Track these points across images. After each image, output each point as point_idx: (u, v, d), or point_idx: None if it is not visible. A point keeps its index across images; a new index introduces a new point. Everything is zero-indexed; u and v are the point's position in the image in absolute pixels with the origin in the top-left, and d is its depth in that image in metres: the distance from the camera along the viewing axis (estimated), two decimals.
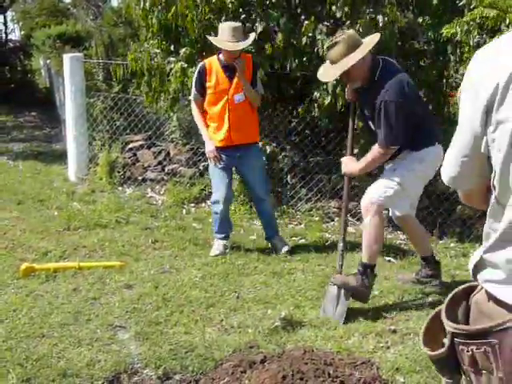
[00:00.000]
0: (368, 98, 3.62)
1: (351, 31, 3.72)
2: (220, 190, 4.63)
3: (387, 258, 4.69)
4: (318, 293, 3.98)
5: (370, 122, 3.73)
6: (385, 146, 3.60)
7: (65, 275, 4.14)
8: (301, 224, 5.70)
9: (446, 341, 1.43)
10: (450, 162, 1.45)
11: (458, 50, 4.89)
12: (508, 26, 4.54)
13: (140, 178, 6.38)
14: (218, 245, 4.74)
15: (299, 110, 5.31)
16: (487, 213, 1.41)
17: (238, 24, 4.55)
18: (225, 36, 4.40)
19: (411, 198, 3.83)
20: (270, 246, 4.83)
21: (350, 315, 3.63)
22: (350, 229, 5.58)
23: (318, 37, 4.81)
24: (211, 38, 4.55)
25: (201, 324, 3.50)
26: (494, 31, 4.60)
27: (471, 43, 4.70)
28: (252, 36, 4.56)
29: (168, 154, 6.35)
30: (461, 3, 4.74)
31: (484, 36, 4.71)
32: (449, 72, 5.09)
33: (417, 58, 5.45)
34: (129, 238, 4.96)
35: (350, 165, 3.80)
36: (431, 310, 3.74)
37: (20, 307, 3.63)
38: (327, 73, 3.72)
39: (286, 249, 4.73)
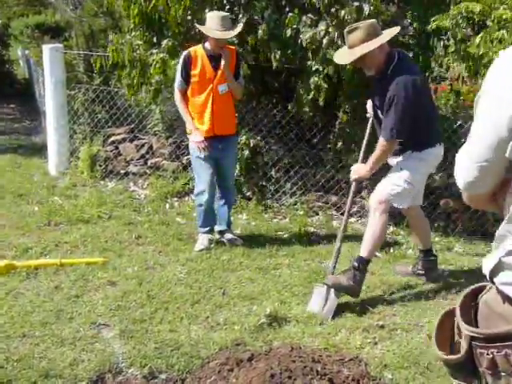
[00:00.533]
0: (379, 89, 3.68)
1: (373, 20, 3.75)
2: (204, 181, 4.58)
3: None
4: (305, 288, 3.95)
5: (379, 112, 3.79)
6: (389, 138, 3.67)
7: (46, 272, 4.05)
8: (285, 218, 5.66)
9: (464, 344, 1.43)
10: (467, 167, 1.44)
11: (441, 43, 4.86)
12: (493, 21, 4.53)
13: (122, 171, 6.28)
14: (202, 239, 4.68)
15: (288, 106, 5.24)
16: (506, 216, 1.40)
17: (227, 13, 4.51)
18: (213, 24, 4.35)
19: (414, 194, 3.90)
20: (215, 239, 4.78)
21: (337, 311, 3.61)
22: (334, 223, 5.60)
23: (302, 29, 4.75)
24: (199, 26, 4.48)
25: (186, 321, 3.45)
26: (480, 26, 4.59)
27: (459, 36, 4.69)
28: (240, 25, 4.53)
29: (151, 147, 6.25)
30: None
31: (469, 30, 4.70)
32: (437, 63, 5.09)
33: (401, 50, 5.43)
34: (111, 233, 4.87)
35: (359, 170, 3.88)
36: (418, 304, 3.76)
37: None
38: (343, 56, 3.76)
39: (240, 242, 4.74)
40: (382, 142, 3.71)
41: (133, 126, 6.35)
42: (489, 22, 4.54)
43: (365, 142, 4.01)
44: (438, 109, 6.04)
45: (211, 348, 3.15)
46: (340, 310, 3.62)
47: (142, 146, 6.27)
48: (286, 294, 3.86)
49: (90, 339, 3.21)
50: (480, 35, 4.49)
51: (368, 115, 4.06)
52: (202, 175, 4.60)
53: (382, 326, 3.46)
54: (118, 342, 3.20)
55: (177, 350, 3.12)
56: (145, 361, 3.02)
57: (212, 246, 4.66)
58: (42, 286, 3.85)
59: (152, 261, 4.35)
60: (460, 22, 4.66)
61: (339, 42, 4.55)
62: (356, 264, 3.74)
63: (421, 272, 4.17)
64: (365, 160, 3.92)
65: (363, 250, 3.78)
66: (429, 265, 4.17)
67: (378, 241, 3.80)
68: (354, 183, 3.96)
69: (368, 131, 4.01)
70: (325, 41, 4.64)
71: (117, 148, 6.34)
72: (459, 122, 5.42)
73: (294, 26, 4.74)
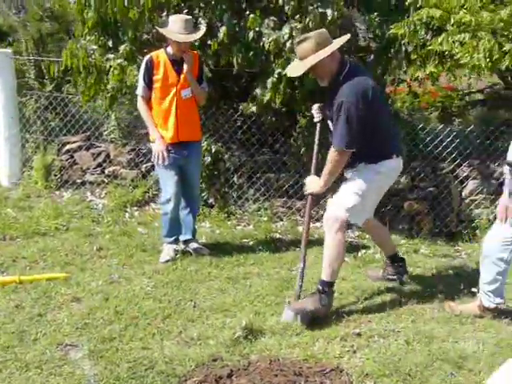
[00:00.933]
0: (331, 98, 3.54)
1: (323, 30, 3.65)
2: (170, 188, 4.44)
3: None
4: (277, 298, 3.87)
5: (330, 122, 3.66)
6: (340, 148, 3.50)
7: (4, 290, 3.82)
8: (249, 225, 5.57)
9: None
10: None
11: (403, 49, 4.88)
12: (453, 26, 4.58)
13: (78, 181, 6.05)
14: (167, 250, 4.54)
15: (241, 107, 5.15)
16: None
17: (189, 16, 4.40)
18: (176, 28, 4.24)
19: (369, 208, 3.76)
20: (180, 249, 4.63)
21: (313, 319, 3.54)
22: (300, 228, 5.54)
23: (265, 31, 4.67)
24: (161, 30, 4.34)
25: (158, 337, 3.31)
26: (440, 30, 4.63)
27: (417, 42, 4.72)
28: (203, 28, 4.43)
29: (108, 155, 6.03)
30: (407, 2, 4.73)
31: (429, 35, 4.74)
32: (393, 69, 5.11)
33: (360, 54, 5.43)
34: (71, 246, 4.66)
35: (313, 183, 3.73)
36: (392, 309, 3.74)
37: None
38: (295, 68, 3.65)
39: (206, 252, 4.63)
40: (332, 152, 3.54)
41: (89, 133, 6.12)
42: (448, 27, 4.58)
43: (315, 150, 3.82)
44: (399, 112, 6.12)
45: (187, 365, 3.03)
46: (316, 319, 3.54)
47: (99, 154, 6.05)
48: (258, 305, 3.76)
49: (58, 362, 3.03)
50: (442, 35, 4.53)
51: (315, 119, 3.89)
52: (167, 183, 4.47)
53: (359, 334, 3.41)
54: (87, 364, 3.02)
55: (151, 369, 2.98)
56: (118, 382, 2.87)
57: (178, 256, 4.52)
58: (1, 306, 3.62)
59: (117, 274, 4.17)
60: (418, 28, 4.70)
61: None
62: (320, 287, 3.59)
63: (391, 277, 4.15)
64: (319, 172, 3.72)
65: (324, 274, 3.61)
66: (397, 269, 4.16)
67: (337, 260, 3.61)
68: (309, 197, 3.75)
69: (317, 138, 3.81)
70: (288, 44, 4.57)
71: (72, 157, 6.09)
72: (421, 125, 5.47)
73: (257, 29, 4.64)
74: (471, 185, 5.32)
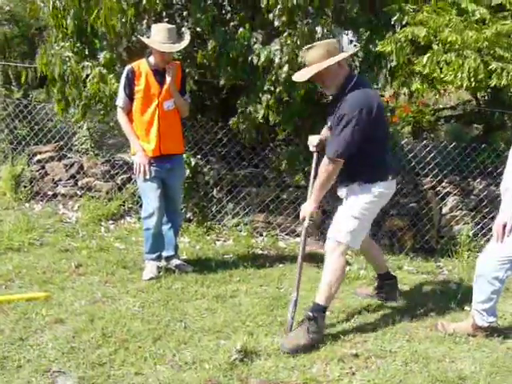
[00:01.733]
0: (334, 109, 3.48)
1: (333, 39, 3.62)
2: (153, 202, 4.29)
3: None
4: (268, 317, 3.77)
5: (330, 133, 3.61)
6: (332, 157, 3.43)
7: None
8: (229, 240, 5.46)
9: None
10: None
11: (388, 65, 4.88)
12: (438, 44, 4.61)
13: (50, 192, 5.80)
14: (150, 267, 4.38)
15: (231, 122, 5.03)
16: None
17: (172, 26, 4.26)
18: (159, 37, 4.10)
19: (365, 230, 3.71)
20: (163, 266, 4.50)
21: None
22: (281, 243, 5.48)
23: (255, 46, 4.59)
24: (144, 39, 4.20)
25: (151, 361, 3.15)
26: (425, 48, 4.65)
27: (401, 60, 4.73)
28: (187, 38, 4.29)
29: (81, 166, 5.81)
30: (393, 19, 4.73)
31: (415, 53, 4.75)
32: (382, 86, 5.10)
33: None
34: (48, 262, 4.44)
35: (305, 207, 3.63)
36: (386, 328, 3.70)
37: None
38: (301, 74, 3.57)
39: (190, 269, 4.52)
40: (324, 161, 3.47)
41: (62, 143, 5.89)
42: (434, 46, 4.60)
43: (312, 176, 3.75)
44: None
45: None
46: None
47: (72, 165, 5.82)
48: (251, 325, 3.64)
49: None
50: (427, 55, 4.55)
51: (311, 149, 3.83)
52: (150, 196, 4.31)
53: (357, 355, 3.34)
54: None
55: None
56: None
57: (161, 273, 4.36)
58: None
59: (99, 293, 3.98)
60: (404, 45, 4.71)
61: (293, 63, 4.44)
62: (311, 314, 3.45)
63: (382, 295, 4.12)
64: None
65: (320, 298, 3.51)
66: (389, 287, 4.13)
67: (335, 285, 3.52)
68: (305, 222, 3.63)
69: (314, 168, 3.75)
70: (277, 60, 4.50)
71: (43, 167, 5.84)
72: (404, 141, 5.50)
73: (246, 43, 4.56)
74: (451, 201, 5.36)
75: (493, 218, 5.09)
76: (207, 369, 3.11)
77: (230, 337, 3.47)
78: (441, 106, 8.05)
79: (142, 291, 4.06)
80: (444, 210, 5.38)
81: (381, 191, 3.57)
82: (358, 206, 3.54)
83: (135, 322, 3.57)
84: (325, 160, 3.50)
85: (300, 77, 3.62)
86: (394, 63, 4.81)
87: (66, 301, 3.81)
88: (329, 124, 3.62)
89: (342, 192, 3.72)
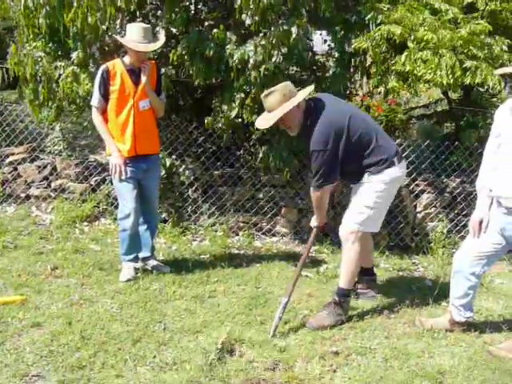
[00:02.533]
0: (307, 143, 3.64)
1: (287, 82, 3.72)
2: (129, 203, 4.24)
3: (304, 274, 4.56)
4: (247, 317, 3.77)
5: None
6: (316, 189, 3.67)
7: None
8: (205, 240, 5.44)
9: None
10: None
11: (363, 64, 4.93)
12: (413, 42, 4.67)
13: (23, 194, 5.69)
14: (127, 268, 4.34)
15: (206, 121, 5.01)
16: None
17: (148, 25, 4.23)
18: (134, 36, 4.07)
19: (383, 214, 3.86)
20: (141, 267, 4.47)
21: (290, 339, 3.47)
22: (257, 243, 5.48)
23: (228, 46, 4.58)
24: (119, 38, 4.16)
25: (132, 363, 3.12)
26: (401, 46, 4.71)
27: (378, 57, 4.78)
28: (163, 38, 4.26)
29: (54, 168, 5.72)
30: (367, 18, 4.78)
31: (390, 51, 4.81)
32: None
33: (317, 68, 5.45)
34: (23, 265, 4.36)
35: (312, 221, 3.92)
36: (364, 325, 3.74)
37: None
38: (264, 121, 3.71)
39: (167, 270, 4.50)
40: (312, 192, 3.73)
41: (34, 144, 5.78)
42: (409, 43, 4.66)
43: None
44: None
45: None
46: (292, 338, 3.49)
47: (45, 166, 5.72)
48: (229, 325, 3.64)
49: None
50: (404, 54, 4.61)
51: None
52: (126, 197, 4.26)
53: (337, 353, 3.37)
54: None
55: None
56: None
57: (139, 275, 4.33)
58: None
59: (76, 295, 3.92)
60: (380, 43, 4.76)
61: (266, 64, 4.45)
62: (337, 298, 3.76)
63: (361, 291, 4.15)
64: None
65: (343, 282, 3.79)
66: (369, 283, 4.17)
67: (355, 268, 3.82)
68: (314, 230, 3.90)
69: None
70: (251, 61, 4.50)
71: (16, 169, 5.73)
72: None
73: (220, 43, 4.54)
74: (425, 199, 5.44)
75: (466, 215, 5.19)
76: (188, 369, 3.09)
77: (209, 337, 3.46)
78: (412, 105, 8.17)
79: (119, 293, 4.02)
80: (418, 208, 5.45)
81: (392, 177, 3.69)
82: (370, 196, 3.69)
83: (114, 324, 3.54)
84: (312, 192, 3.73)
85: (264, 124, 3.77)
86: (369, 62, 4.87)
87: (43, 304, 3.75)
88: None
89: (353, 185, 3.86)
